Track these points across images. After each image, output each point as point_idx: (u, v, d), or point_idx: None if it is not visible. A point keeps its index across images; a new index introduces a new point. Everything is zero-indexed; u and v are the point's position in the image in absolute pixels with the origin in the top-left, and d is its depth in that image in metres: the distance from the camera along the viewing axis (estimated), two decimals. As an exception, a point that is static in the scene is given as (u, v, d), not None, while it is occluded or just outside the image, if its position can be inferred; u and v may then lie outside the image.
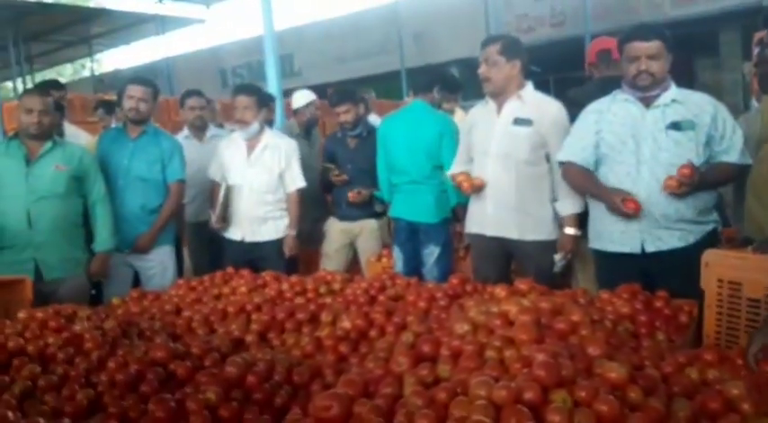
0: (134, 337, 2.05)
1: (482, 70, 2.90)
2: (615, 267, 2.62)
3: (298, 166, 3.70)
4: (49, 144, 3.10)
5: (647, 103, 2.56)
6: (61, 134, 3.64)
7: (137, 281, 3.54)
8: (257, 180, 3.61)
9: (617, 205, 2.48)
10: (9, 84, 17.36)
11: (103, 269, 3.27)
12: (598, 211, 2.67)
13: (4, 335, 1.88)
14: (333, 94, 4.08)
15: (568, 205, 2.87)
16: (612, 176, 2.59)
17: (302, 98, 4.55)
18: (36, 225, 3.02)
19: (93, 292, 3.40)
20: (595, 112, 2.68)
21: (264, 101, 3.67)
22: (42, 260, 3.04)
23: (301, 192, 3.72)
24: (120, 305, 2.66)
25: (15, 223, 3.01)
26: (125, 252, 3.43)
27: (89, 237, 3.26)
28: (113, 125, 4.88)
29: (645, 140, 2.52)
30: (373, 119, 5.79)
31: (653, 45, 2.49)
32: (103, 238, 3.24)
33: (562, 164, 2.76)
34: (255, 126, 3.60)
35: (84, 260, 3.22)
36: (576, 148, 2.69)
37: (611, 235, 2.62)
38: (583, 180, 2.69)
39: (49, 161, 3.08)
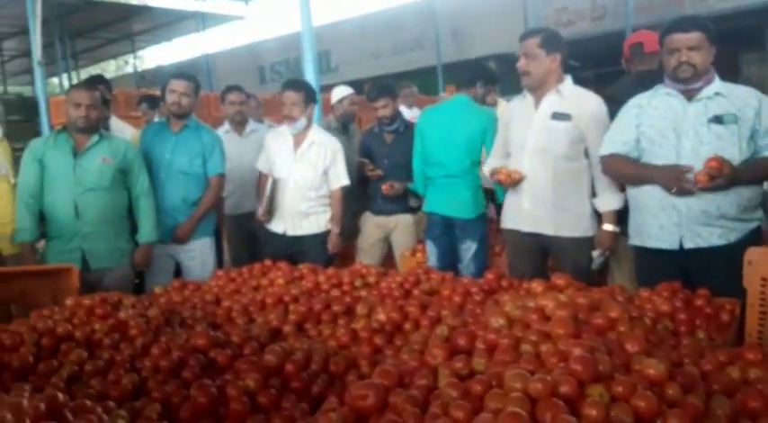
0: (176, 325, 2.10)
1: (521, 64, 2.87)
2: (654, 264, 2.59)
3: (343, 164, 3.72)
4: (95, 137, 3.20)
5: (690, 96, 2.51)
6: (107, 128, 3.74)
7: (177, 271, 3.63)
8: (302, 176, 3.64)
9: (679, 176, 2.41)
10: (55, 79, 17.89)
11: (147, 260, 3.36)
12: (638, 206, 2.63)
13: (52, 321, 1.94)
14: (371, 88, 4.10)
15: (608, 201, 2.84)
16: None
17: (338, 93, 4.60)
18: (83, 216, 3.12)
19: (137, 281, 3.50)
20: (636, 106, 2.64)
21: (312, 97, 3.68)
22: (89, 250, 3.14)
23: (345, 189, 3.74)
24: (162, 294, 2.72)
25: (63, 214, 3.12)
26: (167, 243, 3.52)
27: (133, 228, 3.36)
28: (156, 119, 5.01)
29: (686, 134, 2.48)
30: (416, 113, 5.81)
31: (693, 36, 2.44)
32: (147, 229, 3.33)
33: (604, 157, 2.72)
34: (303, 122, 3.62)
35: (128, 251, 3.31)
36: (617, 142, 2.65)
37: (650, 230, 2.58)
38: (629, 167, 2.64)
39: (95, 154, 3.18)
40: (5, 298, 2.42)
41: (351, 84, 4.92)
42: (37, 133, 6.42)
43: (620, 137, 2.65)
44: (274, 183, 3.66)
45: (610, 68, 5.07)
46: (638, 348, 1.47)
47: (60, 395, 1.29)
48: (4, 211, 3.19)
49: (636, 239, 2.68)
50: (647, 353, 1.45)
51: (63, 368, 1.73)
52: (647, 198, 2.58)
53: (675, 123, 2.51)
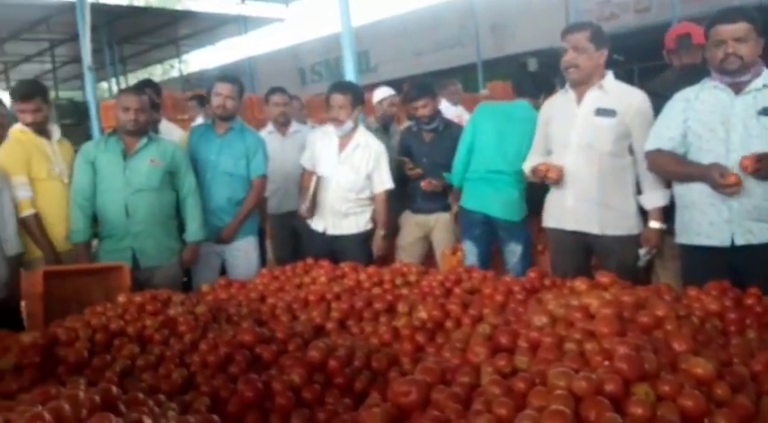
0: (223, 321, 2.15)
1: (569, 57, 2.82)
2: (702, 262, 2.52)
3: (387, 167, 3.71)
4: (144, 140, 3.29)
5: (738, 89, 2.45)
6: (157, 131, 3.84)
7: (222, 270, 3.70)
8: (344, 178, 3.65)
9: (716, 179, 2.37)
10: (105, 84, 18.43)
11: (194, 258, 3.45)
12: (685, 203, 2.58)
13: (106, 317, 2.02)
14: (410, 88, 4.09)
15: (654, 198, 2.78)
16: None
17: (379, 94, 4.62)
18: (133, 216, 3.22)
19: (185, 279, 3.60)
20: (683, 100, 2.58)
21: (360, 99, 3.66)
22: (139, 249, 3.24)
23: (389, 193, 3.73)
24: (209, 292, 2.79)
25: (114, 214, 3.22)
26: (212, 241, 3.60)
27: (181, 227, 3.44)
28: (200, 117, 5.12)
29: (735, 128, 2.41)
30: (460, 110, 5.77)
31: (740, 27, 2.38)
32: (194, 229, 3.41)
33: (649, 153, 2.66)
34: (349, 124, 3.62)
35: (177, 249, 3.39)
36: (663, 137, 2.60)
37: (699, 227, 2.52)
38: (674, 164, 2.58)
39: (144, 156, 3.27)
40: (61, 295, 2.52)
41: (390, 83, 4.94)
42: (88, 137, 6.62)
43: (666, 132, 2.60)
44: (318, 180, 3.69)
45: (654, 62, 4.96)
46: (685, 347, 1.44)
47: (114, 388, 1.34)
48: (56, 210, 3.29)
49: (683, 237, 2.62)
50: (694, 352, 1.42)
51: (116, 363, 1.81)
52: (696, 194, 2.52)
53: (723, 117, 2.44)
